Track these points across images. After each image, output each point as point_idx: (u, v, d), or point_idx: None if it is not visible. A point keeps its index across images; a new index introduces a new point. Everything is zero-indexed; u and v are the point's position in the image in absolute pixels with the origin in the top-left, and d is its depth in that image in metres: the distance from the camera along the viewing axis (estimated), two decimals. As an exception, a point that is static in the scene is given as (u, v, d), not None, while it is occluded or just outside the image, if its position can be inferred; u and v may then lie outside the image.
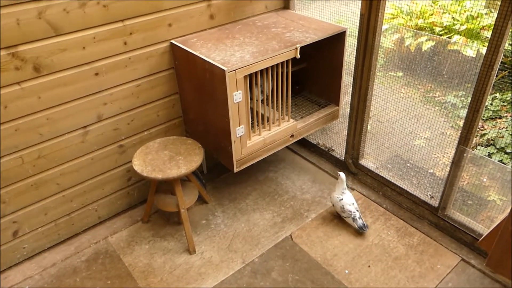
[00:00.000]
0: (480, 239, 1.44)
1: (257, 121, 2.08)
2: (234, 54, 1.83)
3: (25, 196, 1.92)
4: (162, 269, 1.97)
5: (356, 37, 2.08)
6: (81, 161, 2.02)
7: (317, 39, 1.97)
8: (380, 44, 2.04)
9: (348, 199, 2.12)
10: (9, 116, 1.73)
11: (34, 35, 1.65)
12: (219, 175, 2.56)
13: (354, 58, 2.14)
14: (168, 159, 1.97)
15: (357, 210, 2.11)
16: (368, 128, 2.35)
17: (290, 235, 2.13)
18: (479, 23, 3.00)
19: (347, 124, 2.38)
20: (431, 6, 3.34)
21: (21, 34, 1.62)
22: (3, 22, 1.57)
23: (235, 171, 2.00)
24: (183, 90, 2.14)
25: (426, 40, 2.76)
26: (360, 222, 2.09)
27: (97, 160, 2.07)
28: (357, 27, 2.05)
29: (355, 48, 2.11)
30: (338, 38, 2.11)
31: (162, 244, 2.11)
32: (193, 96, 2.06)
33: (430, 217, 2.16)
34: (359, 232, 2.10)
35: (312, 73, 2.39)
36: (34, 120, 1.79)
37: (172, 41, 2.01)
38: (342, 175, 2.12)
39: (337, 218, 2.22)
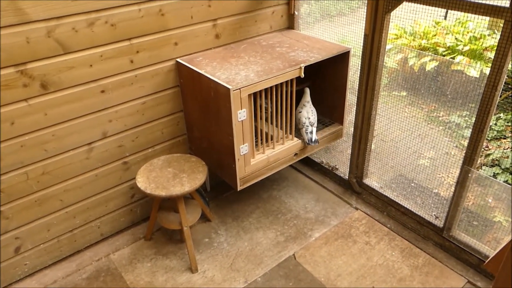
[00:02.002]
0: (486, 261, 1.43)
1: (261, 140, 2.09)
2: (239, 73, 1.85)
3: (28, 212, 1.92)
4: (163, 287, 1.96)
5: (360, 57, 2.10)
6: (85, 177, 2.02)
7: (321, 59, 1.99)
8: (384, 64, 2.06)
9: (306, 112, 2.15)
10: (15, 132, 1.75)
11: (42, 53, 1.68)
12: (223, 193, 2.55)
13: (358, 78, 2.16)
14: (171, 177, 1.98)
15: (311, 125, 2.13)
16: (372, 147, 2.35)
17: (294, 254, 2.11)
18: (482, 44, 3.03)
19: (351, 143, 2.38)
20: (434, 27, 3.38)
21: (30, 52, 1.65)
22: (13, 40, 1.60)
23: (238, 189, 2.00)
24: (187, 108, 2.15)
25: (430, 60, 2.78)
26: (309, 136, 2.12)
27: (101, 177, 2.07)
28: (361, 47, 2.07)
29: (359, 67, 2.13)
30: (342, 58, 2.13)
31: (164, 262, 2.09)
32: (197, 114, 2.08)
33: (435, 238, 2.13)
34: (306, 144, 2.14)
35: (316, 92, 2.40)
36: (40, 136, 1.81)
37: (178, 59, 2.04)
38: (306, 89, 2.17)
39: (341, 237, 2.20)
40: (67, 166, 1.94)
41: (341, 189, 2.55)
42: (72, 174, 1.98)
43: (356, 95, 2.22)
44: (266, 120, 2.08)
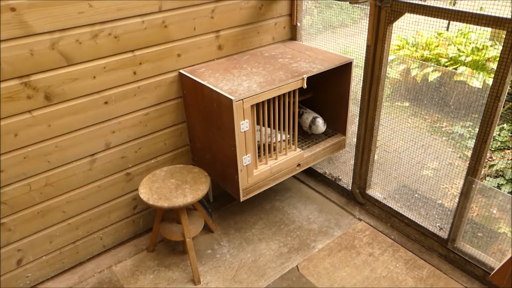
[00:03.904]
0: (492, 273, 1.41)
1: (264, 150, 2.08)
2: (241, 84, 1.86)
3: (31, 224, 1.92)
4: (165, 300, 1.94)
5: (363, 68, 2.10)
6: (88, 188, 2.02)
7: (323, 70, 2.00)
8: (387, 74, 2.06)
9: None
10: (19, 144, 1.75)
11: (46, 65, 1.69)
12: (225, 204, 2.55)
13: (361, 88, 2.16)
14: (174, 188, 1.97)
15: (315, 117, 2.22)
16: (375, 158, 2.34)
17: (297, 266, 2.09)
18: (484, 55, 3.03)
19: (354, 153, 2.37)
20: (437, 37, 3.39)
21: (34, 64, 1.66)
22: (17, 52, 1.61)
23: (241, 200, 1.99)
24: (190, 118, 2.16)
25: (432, 71, 2.79)
26: (319, 121, 2.21)
27: (103, 188, 2.07)
28: (363, 58, 2.08)
29: (362, 78, 2.13)
30: (345, 69, 2.14)
31: (167, 274, 2.08)
32: (200, 125, 2.08)
33: (440, 249, 2.11)
34: (323, 126, 2.22)
35: (319, 103, 2.40)
36: (43, 147, 1.81)
37: (181, 70, 2.05)
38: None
39: (345, 249, 2.18)
40: (70, 178, 1.94)
41: (344, 200, 2.54)
42: (75, 186, 1.97)
43: (359, 105, 2.22)
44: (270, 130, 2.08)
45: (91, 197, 2.05)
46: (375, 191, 2.41)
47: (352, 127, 2.41)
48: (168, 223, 2.14)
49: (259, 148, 2.09)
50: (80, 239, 2.11)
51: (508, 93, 1.64)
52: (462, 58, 3.10)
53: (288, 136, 2.11)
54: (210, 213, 2.39)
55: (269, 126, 2.04)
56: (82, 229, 2.09)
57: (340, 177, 2.61)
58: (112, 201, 2.13)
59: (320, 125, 2.24)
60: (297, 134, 2.13)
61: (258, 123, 2.04)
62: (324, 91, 2.34)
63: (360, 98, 2.20)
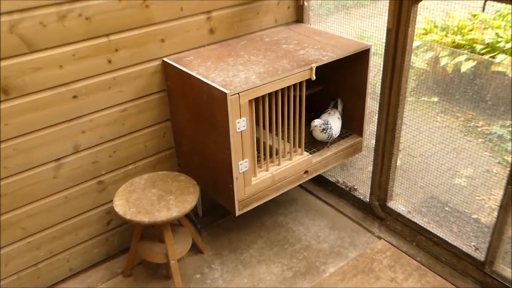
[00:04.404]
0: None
1: (265, 154, 2.09)
2: (237, 75, 1.87)
3: (-17, 242, 1.92)
4: (146, 334, 1.95)
5: (382, 56, 2.12)
6: (52, 200, 2.02)
7: (335, 58, 2.01)
8: (411, 64, 2.08)
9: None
10: (-31, 146, 1.76)
11: (4, 52, 1.69)
12: (218, 219, 2.55)
13: (380, 80, 2.18)
14: (156, 199, 1.98)
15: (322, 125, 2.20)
16: (397, 164, 2.35)
17: (304, 293, 2.11)
18: (528, 40, 3.05)
19: (373, 158, 2.39)
20: (470, 20, 3.41)
21: (-11, 50, 1.67)
22: (-31, 36, 1.62)
23: (237, 214, 2.00)
24: (176, 116, 2.17)
25: (466, 60, 2.81)
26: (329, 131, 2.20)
27: (71, 199, 2.07)
28: (383, 44, 2.09)
29: (381, 68, 2.14)
30: (361, 57, 2.15)
31: (147, 303, 2.08)
32: (188, 124, 2.09)
33: (475, 274, 2.12)
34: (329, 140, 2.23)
35: (330, 98, 2.41)
36: (-1, 150, 1.82)
37: (165, 59, 2.06)
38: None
39: (362, 273, 2.19)
40: (31, 186, 1.95)
41: (360, 214, 2.55)
42: (37, 196, 1.98)
43: (378, 101, 2.23)
44: (270, 131, 2.09)
45: (56, 210, 2.05)
46: (398, 204, 2.43)
47: (370, 127, 2.42)
48: (148, 242, 2.14)
49: (258, 151, 2.10)
50: (42, 261, 2.11)
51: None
52: (501, 44, 3.12)
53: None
54: (199, 230, 2.40)
55: (270, 124, 2.05)
56: (44, 249, 2.09)
57: (355, 187, 2.62)
58: (81, 215, 2.14)
59: (317, 131, 2.18)
60: (304, 135, 2.14)
61: (257, 123, 2.05)
62: (337, 84, 2.35)
63: (379, 92, 2.21)
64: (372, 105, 2.36)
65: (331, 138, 2.22)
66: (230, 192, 1.96)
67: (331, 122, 2.23)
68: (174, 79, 2.05)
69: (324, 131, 2.18)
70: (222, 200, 2.07)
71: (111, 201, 2.17)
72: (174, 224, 2.22)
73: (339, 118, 2.29)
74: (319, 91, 2.41)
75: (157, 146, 2.24)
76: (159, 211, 1.91)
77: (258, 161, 2.09)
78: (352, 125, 2.36)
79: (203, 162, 2.10)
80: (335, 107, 2.35)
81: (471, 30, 3.31)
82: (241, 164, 1.90)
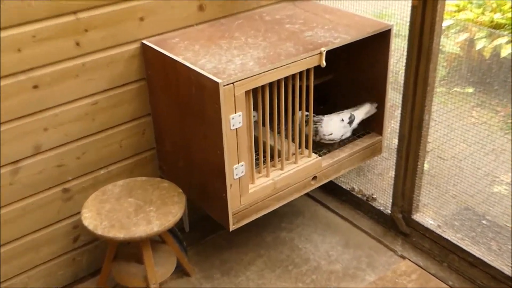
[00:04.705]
0: None
1: (265, 157, 2.10)
2: (232, 61, 1.88)
3: None
4: None
5: (406, 38, 2.13)
6: (8, 211, 2.03)
7: (350, 40, 2.02)
8: (441, 47, 2.09)
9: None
10: None
11: (-50, 32, 1.70)
12: (208, 234, 2.56)
13: (404, 67, 2.19)
14: (134, 211, 1.99)
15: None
16: (425, 168, 2.36)
17: (311, 324, 2.12)
18: None
19: (395, 161, 2.40)
20: (513, -6, 3.42)
21: None
22: None
23: (231, 229, 2.01)
24: (158, 110, 2.18)
25: (506, 43, 2.81)
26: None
27: (31, 211, 2.08)
28: (407, 24, 2.10)
29: (405, 53, 2.15)
30: (380, 39, 2.16)
31: (122, 336, 2.09)
32: (172, 120, 2.10)
33: (518, 300, 2.14)
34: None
35: (344, 88, 2.42)
36: None
37: (144, 41, 2.07)
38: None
39: (381, 300, 2.20)
40: (-17, 195, 1.96)
41: (380, 229, 2.56)
42: (-10, 207, 1.99)
43: (402, 92, 2.24)
44: (271, 128, 2.10)
45: (12, 224, 2.05)
46: (425, 216, 2.44)
47: (392, 124, 2.43)
48: (124, 263, 2.15)
49: (257, 153, 2.11)
50: (-3, 285, 2.11)
51: None
52: (550, 24, 3.12)
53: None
54: (185, 248, 2.40)
55: (271, 121, 2.06)
56: (-1, 271, 2.10)
57: (374, 196, 2.63)
58: (42, 230, 2.14)
59: (323, 129, 2.20)
60: (312, 131, 2.15)
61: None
62: (351, 72, 2.37)
63: (403, 82, 2.22)
64: (394, 98, 2.37)
65: (319, 138, 2.22)
66: (222, 202, 1.97)
67: (326, 118, 2.22)
68: (155, 66, 2.06)
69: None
70: (213, 212, 2.08)
71: (79, 212, 2.16)
72: (155, 241, 2.22)
73: (343, 120, 2.25)
74: (330, 81, 2.42)
75: (134, 147, 2.25)
76: (137, 225, 1.91)
77: (257, 164, 2.10)
78: (370, 121, 2.37)
79: (191, 166, 2.11)
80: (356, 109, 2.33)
81: (513, 7, 3.32)
82: (236, 168, 1.91)
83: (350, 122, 2.27)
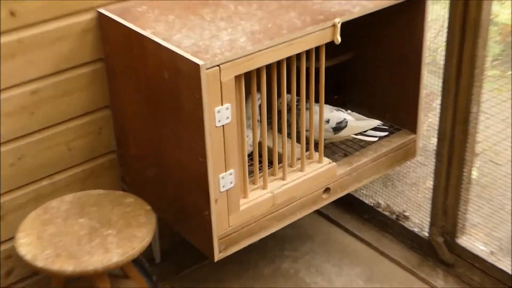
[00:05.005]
0: None
1: (261, 163, 2.09)
2: (217, 36, 1.88)
3: None
4: None
5: (448, 5, 2.14)
6: None
7: (373, 9, 2.02)
8: (492, 17, 2.10)
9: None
10: None
11: None
12: (186, 266, 2.57)
13: (445, 44, 2.19)
14: (86, 235, 1.98)
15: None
16: (473, 176, 2.37)
17: None
18: None
19: (434, 167, 2.41)
20: None
21: None
22: None
23: (216, 259, 2.01)
24: (119, 102, 2.18)
25: None
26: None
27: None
28: (449, -13, 2.12)
29: (446, 24, 2.16)
30: (413, 8, 2.16)
31: None
32: (138, 114, 2.11)
33: None
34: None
35: (364, 72, 2.44)
36: None
37: (102, 9, 2.07)
38: None
39: None
40: None
41: (415, 257, 2.57)
42: None
43: (441, 76, 2.25)
44: (270, 124, 2.11)
45: None
46: (474, 240, 2.44)
47: (429, 118, 2.44)
48: (75, 304, 2.16)
49: (251, 158, 2.12)
50: None
51: None
52: None
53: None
54: (155, 284, 2.40)
55: (270, 115, 2.07)
56: None
57: (406, 214, 2.64)
58: (-34, 261, 2.15)
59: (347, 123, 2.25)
60: (323, 129, 2.16)
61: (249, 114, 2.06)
62: (374, 50, 2.37)
63: (443, 63, 2.23)
64: (431, 83, 2.37)
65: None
66: (205, 223, 1.96)
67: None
68: (116, 43, 2.06)
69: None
70: (193, 236, 2.08)
71: (13, 237, 2.16)
72: (116, 276, 2.22)
73: (328, 122, 2.26)
74: (347, 62, 2.43)
75: (88, 150, 2.25)
76: (90, 254, 1.91)
77: (251, 173, 2.10)
78: (400, 115, 2.38)
79: (163, 176, 2.12)
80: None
81: None
82: (223, 178, 1.91)
83: (337, 129, 2.28)
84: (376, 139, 2.30)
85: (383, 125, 2.36)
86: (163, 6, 2.09)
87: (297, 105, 2.09)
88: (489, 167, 2.47)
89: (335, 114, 2.25)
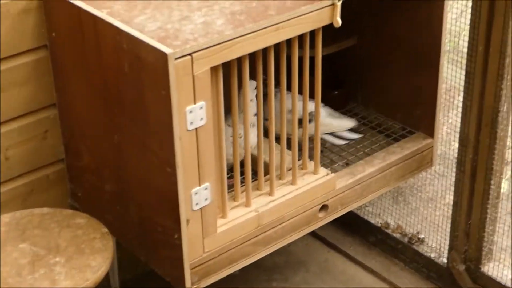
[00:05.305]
0: None
1: (243, 174, 2.10)
2: (189, 18, 1.87)
3: None
4: None
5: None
6: None
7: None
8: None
9: None
10: None
11: None
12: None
13: (468, 28, 2.20)
14: (29, 264, 1.97)
15: None
16: (502, 190, 2.37)
17: None
18: None
19: (454, 180, 2.41)
20: None
21: None
22: None
23: (187, 293, 2.01)
24: (68, 99, 2.17)
25: None
26: None
27: None
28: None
29: (470, 4, 2.16)
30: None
31: None
32: (91, 115, 2.09)
33: None
34: None
35: (370, 61, 2.44)
36: None
37: (45, -15, 2.07)
38: None
39: None
40: None
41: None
42: None
43: (465, 68, 2.25)
44: (254, 126, 2.10)
45: None
46: (503, 268, 2.45)
47: (450, 118, 2.44)
48: None
49: (230, 168, 2.11)
50: None
51: None
52: None
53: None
54: (114, 324, 2.40)
55: (256, 116, 2.06)
56: None
57: (421, 236, 2.64)
58: None
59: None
60: (319, 132, 2.15)
61: (229, 112, 2.06)
62: (382, 36, 2.38)
63: (466, 51, 2.23)
64: (453, 76, 2.38)
65: None
66: (174, 249, 1.95)
67: None
68: (63, 27, 2.04)
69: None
70: (160, 265, 2.07)
71: None
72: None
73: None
74: (350, 49, 2.43)
75: (30, 159, 2.24)
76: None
77: (231, 187, 2.10)
78: (414, 114, 2.39)
79: (123, 191, 2.10)
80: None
81: None
82: (197, 194, 1.90)
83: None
84: (344, 142, 2.35)
85: (359, 128, 2.41)
86: (122, -19, 2.07)
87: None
88: (522, 179, 2.49)
89: (302, 104, 2.22)
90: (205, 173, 1.89)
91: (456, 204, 2.43)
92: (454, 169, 2.40)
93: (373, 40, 2.41)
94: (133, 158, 2.00)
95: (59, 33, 2.08)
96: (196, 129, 1.82)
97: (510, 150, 2.35)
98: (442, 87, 2.30)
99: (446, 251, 2.53)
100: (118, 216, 2.16)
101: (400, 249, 2.66)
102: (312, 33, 1.97)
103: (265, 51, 1.92)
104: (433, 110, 2.33)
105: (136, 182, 2.03)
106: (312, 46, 2.00)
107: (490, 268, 2.45)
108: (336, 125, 2.32)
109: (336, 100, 2.47)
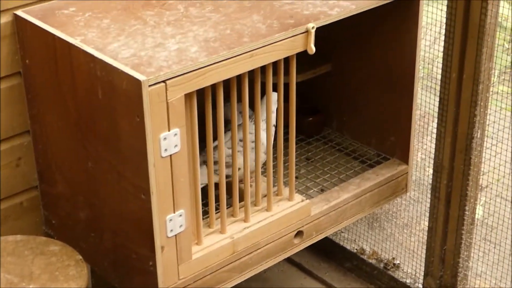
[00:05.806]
0: None
1: (218, 201, 2.10)
2: (163, 45, 1.88)
3: None
4: None
5: (445, 4, 2.15)
6: None
7: (355, 11, 2.03)
8: (500, 20, 2.11)
9: None
10: None
11: None
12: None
13: (442, 54, 2.21)
14: (1, 292, 1.96)
15: None
16: (477, 216, 2.38)
17: None
18: None
19: (429, 206, 2.41)
20: None
21: None
22: None
23: (162, 321, 2.00)
24: (42, 127, 2.16)
25: None
26: None
27: None
28: (446, -15, 2.13)
29: (443, 30, 2.17)
30: (403, 9, 2.19)
31: None
32: (65, 142, 2.09)
33: None
34: None
35: (345, 88, 2.44)
36: None
37: (19, 12, 2.06)
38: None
39: None
40: None
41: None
42: None
43: (439, 95, 2.26)
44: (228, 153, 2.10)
45: None
46: (479, 293, 2.46)
47: (424, 144, 2.45)
48: None
49: (205, 195, 2.10)
50: None
51: None
52: None
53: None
54: None
55: (229, 142, 2.06)
56: None
57: (397, 262, 2.65)
58: None
59: None
60: (294, 159, 2.15)
61: (203, 139, 2.05)
62: (357, 62, 2.39)
63: (440, 78, 2.24)
64: (427, 102, 2.39)
65: None
66: (149, 276, 1.95)
67: None
68: (37, 54, 2.04)
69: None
70: (134, 292, 2.07)
71: None
72: None
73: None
74: (325, 76, 2.44)
75: (3, 186, 2.22)
76: (6, 317, 1.89)
77: (206, 214, 2.10)
78: (389, 141, 2.40)
79: (97, 218, 2.09)
80: None
81: None
82: (172, 221, 1.89)
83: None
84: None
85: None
86: (96, 7, 2.08)
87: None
88: (497, 204, 2.49)
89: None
90: (180, 199, 1.89)
91: (431, 230, 2.44)
92: (429, 195, 2.40)
93: (347, 67, 2.42)
94: (108, 185, 1.99)
95: (33, 60, 2.07)
96: (170, 156, 1.82)
97: (484, 176, 2.35)
98: (417, 113, 2.31)
99: (421, 277, 2.53)
100: (92, 243, 2.15)
101: (375, 275, 2.66)
102: (287, 60, 1.98)
103: (239, 78, 1.92)
104: (408, 137, 2.34)
105: (111, 209, 2.02)
106: (287, 72, 2.01)
107: (465, 293, 2.46)
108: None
109: (311, 126, 2.47)
